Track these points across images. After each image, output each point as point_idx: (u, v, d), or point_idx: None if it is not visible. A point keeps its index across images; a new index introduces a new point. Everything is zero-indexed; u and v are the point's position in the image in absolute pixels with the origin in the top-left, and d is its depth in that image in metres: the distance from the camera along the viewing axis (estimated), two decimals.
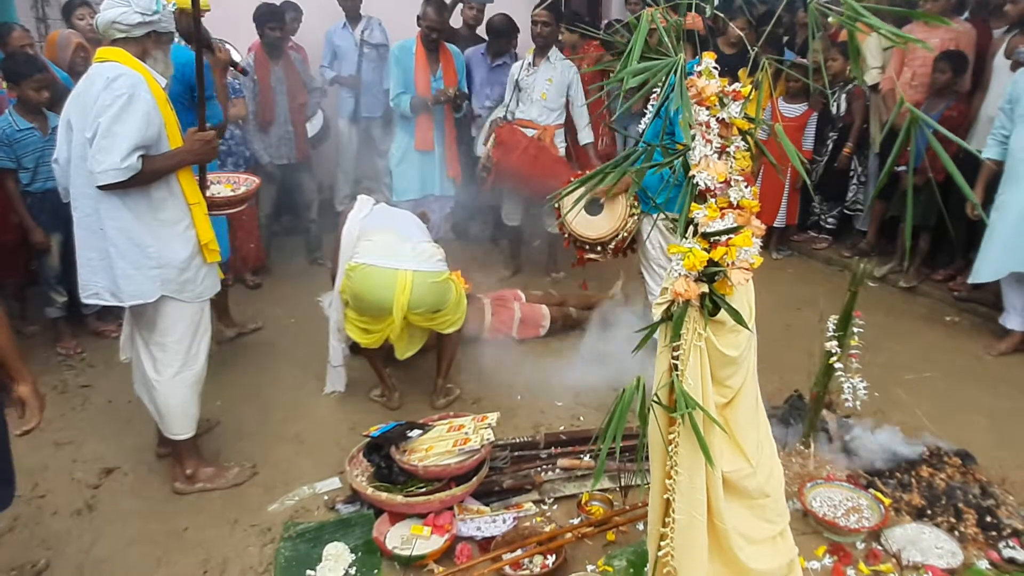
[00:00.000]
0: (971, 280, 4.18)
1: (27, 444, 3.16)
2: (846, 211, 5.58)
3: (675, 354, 1.75)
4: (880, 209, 5.33)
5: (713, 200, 1.64)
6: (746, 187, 1.68)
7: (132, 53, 2.56)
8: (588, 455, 2.92)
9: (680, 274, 1.66)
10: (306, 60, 5.40)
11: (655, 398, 1.81)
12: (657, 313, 1.79)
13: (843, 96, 5.31)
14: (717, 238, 1.63)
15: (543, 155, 4.73)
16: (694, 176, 1.65)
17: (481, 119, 5.22)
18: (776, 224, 5.53)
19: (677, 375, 1.74)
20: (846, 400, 2.88)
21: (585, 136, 5.03)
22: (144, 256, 2.58)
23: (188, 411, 2.80)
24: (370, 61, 5.73)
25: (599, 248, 3.33)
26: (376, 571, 2.41)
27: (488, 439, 2.73)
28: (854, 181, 5.45)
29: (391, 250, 3.18)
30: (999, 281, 4.08)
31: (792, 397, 3.34)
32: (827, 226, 5.74)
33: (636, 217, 3.31)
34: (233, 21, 5.01)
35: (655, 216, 3.35)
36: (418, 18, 4.73)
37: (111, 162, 2.41)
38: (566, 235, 3.40)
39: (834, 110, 5.34)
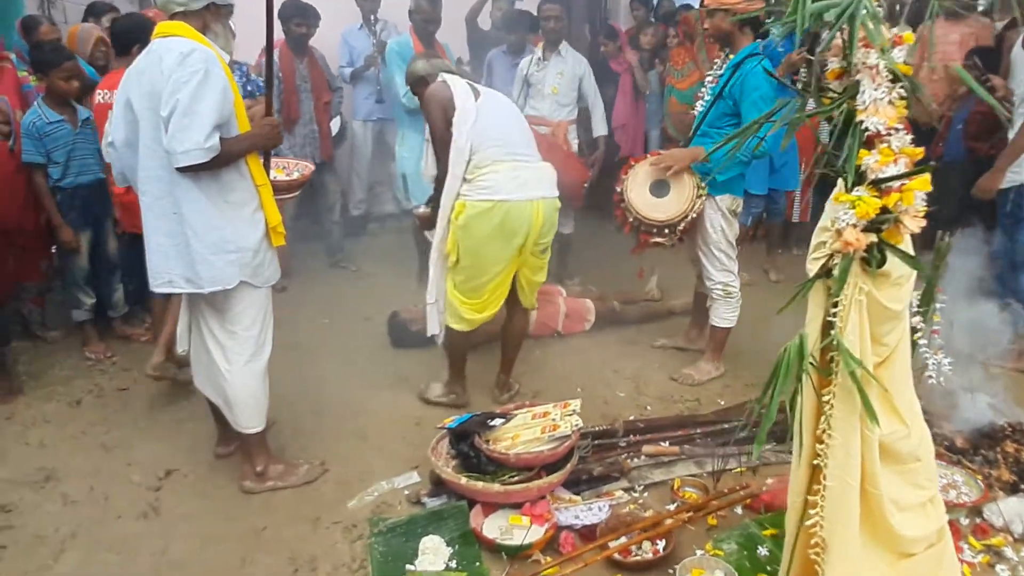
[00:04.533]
0: None
1: (73, 446, 3.02)
2: None
3: (834, 311, 1.68)
4: None
5: (884, 146, 1.58)
6: (905, 135, 1.63)
7: (193, 27, 2.45)
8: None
9: (848, 223, 1.60)
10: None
11: (810, 359, 1.73)
12: (813, 269, 1.72)
13: None
14: (889, 185, 1.58)
15: (554, 152, 4.68)
16: (862, 122, 1.60)
17: None
18: (793, 219, 5.53)
19: (837, 333, 1.67)
20: (930, 377, 2.84)
21: (600, 128, 5.02)
22: (222, 239, 2.45)
23: (259, 402, 2.66)
24: (381, 51, 5.63)
25: (667, 231, 3.27)
26: (477, 563, 2.29)
27: (577, 425, 2.63)
28: None
29: (523, 178, 2.91)
30: None
31: None
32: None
33: (704, 197, 3.26)
34: (247, 20, 4.90)
35: (717, 198, 3.32)
36: (410, 12, 4.63)
37: (194, 141, 2.28)
38: (630, 219, 3.33)
39: None
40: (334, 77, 5.27)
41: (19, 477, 2.79)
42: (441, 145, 2.94)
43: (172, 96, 2.30)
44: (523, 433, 2.65)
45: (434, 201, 3.15)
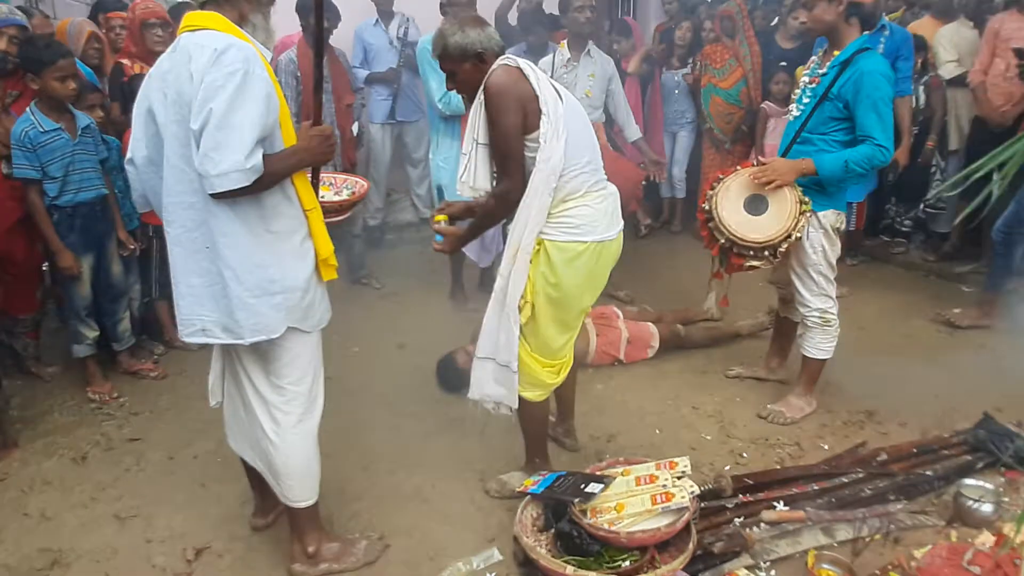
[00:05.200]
0: None
1: (82, 518, 2.55)
2: (928, 209, 5.23)
3: None
4: (964, 209, 5.02)
5: None
6: None
7: (228, 18, 1.99)
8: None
9: None
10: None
11: None
12: None
13: (920, 88, 5.00)
14: None
15: (604, 155, 4.30)
16: None
17: None
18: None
19: None
20: None
21: (632, 132, 4.65)
22: (266, 279, 2.01)
23: (311, 469, 2.22)
24: (407, 61, 5.21)
25: (766, 253, 2.85)
26: None
27: (693, 492, 2.21)
28: (937, 177, 5.12)
29: (610, 208, 2.38)
30: None
31: (985, 418, 2.90)
32: (903, 229, 5.39)
33: (808, 214, 2.84)
34: None
35: (820, 214, 2.91)
36: (442, 5, 4.19)
37: (233, 161, 1.83)
38: (721, 240, 2.90)
39: (912, 103, 5.01)
40: (355, 77, 4.81)
41: (18, 562, 2.32)
42: (511, 155, 2.22)
43: (204, 104, 1.84)
44: (629, 502, 2.22)
45: (478, 222, 2.48)
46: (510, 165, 2.25)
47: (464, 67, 2.33)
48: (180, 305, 2.07)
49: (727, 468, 2.79)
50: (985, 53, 4.74)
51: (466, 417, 3.14)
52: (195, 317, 2.05)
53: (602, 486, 2.27)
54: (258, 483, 2.40)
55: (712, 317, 4.23)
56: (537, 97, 2.23)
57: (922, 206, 5.26)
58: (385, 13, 5.28)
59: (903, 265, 5.21)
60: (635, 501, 2.22)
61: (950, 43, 5.07)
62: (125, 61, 3.70)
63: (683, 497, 2.18)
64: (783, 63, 5.38)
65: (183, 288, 2.05)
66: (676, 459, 2.38)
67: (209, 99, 1.84)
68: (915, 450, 2.81)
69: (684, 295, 4.47)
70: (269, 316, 2.03)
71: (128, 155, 2.14)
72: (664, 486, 2.24)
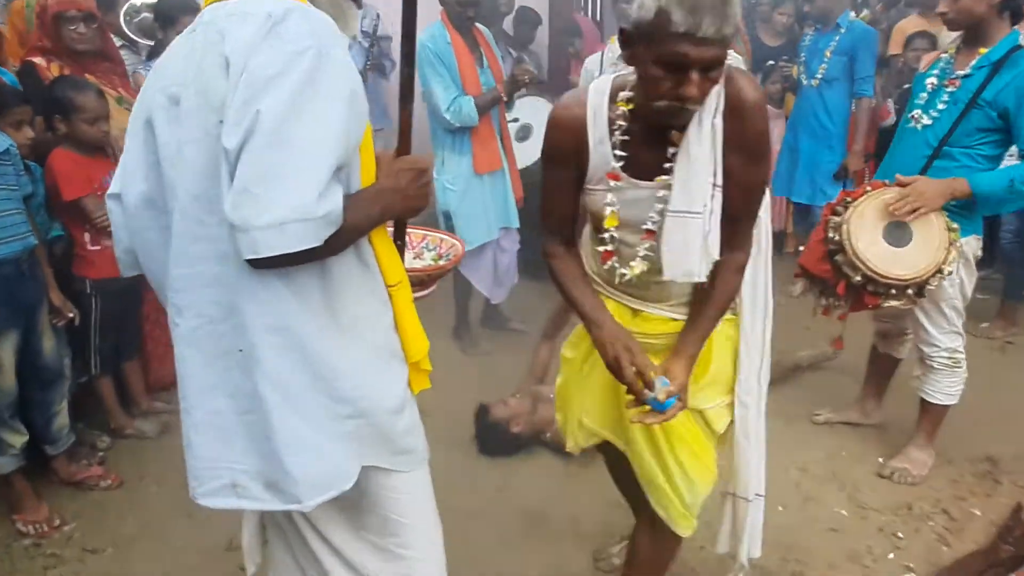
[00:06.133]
0: None
1: None
2: None
3: None
4: None
5: None
6: None
7: None
8: None
9: None
10: None
11: None
12: None
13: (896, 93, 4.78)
14: None
15: None
16: None
17: None
18: None
19: None
20: None
21: None
22: (334, 398, 1.26)
23: None
24: (375, 61, 4.45)
25: (910, 292, 2.36)
26: None
27: None
28: None
29: None
30: None
31: None
32: None
33: (957, 243, 2.39)
34: None
35: (962, 240, 2.46)
36: None
37: (293, 204, 1.07)
38: (855, 278, 2.37)
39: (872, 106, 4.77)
40: None
41: None
42: (760, 202, 1.56)
43: (249, 104, 1.09)
44: None
45: (711, 320, 1.57)
46: (755, 216, 1.55)
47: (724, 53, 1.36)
48: (193, 443, 1.29)
49: (891, 556, 2.30)
50: None
51: (542, 511, 2.51)
52: (220, 465, 1.28)
53: None
54: None
55: None
56: None
57: None
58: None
59: None
60: None
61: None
62: (38, 60, 2.75)
63: None
64: (770, 61, 5.05)
65: (199, 415, 1.28)
66: None
67: (257, 94, 1.09)
68: None
69: None
70: (338, 456, 1.28)
71: (113, 189, 1.34)
72: None
